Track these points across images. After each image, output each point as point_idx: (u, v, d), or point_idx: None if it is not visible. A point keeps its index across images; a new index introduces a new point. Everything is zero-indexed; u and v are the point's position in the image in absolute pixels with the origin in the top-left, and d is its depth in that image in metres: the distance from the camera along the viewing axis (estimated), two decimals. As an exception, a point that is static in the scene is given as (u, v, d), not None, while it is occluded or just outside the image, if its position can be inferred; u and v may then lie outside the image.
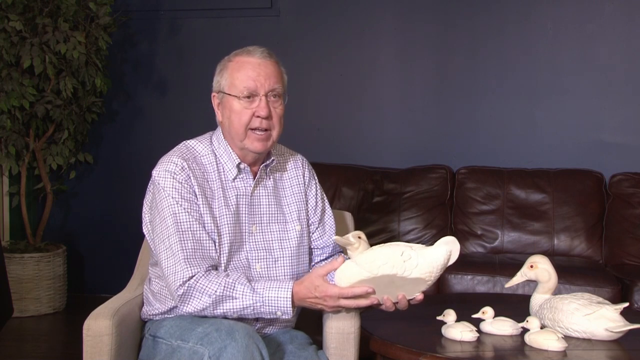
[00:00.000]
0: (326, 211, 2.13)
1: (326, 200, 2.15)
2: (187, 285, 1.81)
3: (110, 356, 1.86)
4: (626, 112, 3.88)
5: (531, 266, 2.08)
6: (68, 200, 4.52)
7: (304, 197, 2.07)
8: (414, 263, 1.81)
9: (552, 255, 3.49)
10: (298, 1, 4.22)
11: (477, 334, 1.96)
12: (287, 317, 1.84)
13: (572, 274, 3.17)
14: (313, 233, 2.09)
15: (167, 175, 1.88)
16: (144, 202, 1.99)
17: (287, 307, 1.81)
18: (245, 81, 1.90)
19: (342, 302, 1.82)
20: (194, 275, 1.81)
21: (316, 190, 2.12)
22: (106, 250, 4.46)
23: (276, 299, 1.81)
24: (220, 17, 4.29)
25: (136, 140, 4.40)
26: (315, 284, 1.80)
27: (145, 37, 4.38)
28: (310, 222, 2.09)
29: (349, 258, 1.85)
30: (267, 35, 4.21)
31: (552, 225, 3.63)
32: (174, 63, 4.37)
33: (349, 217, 2.41)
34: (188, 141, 2.00)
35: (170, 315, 1.94)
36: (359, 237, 1.83)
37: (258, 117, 1.91)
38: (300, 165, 2.12)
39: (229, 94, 1.91)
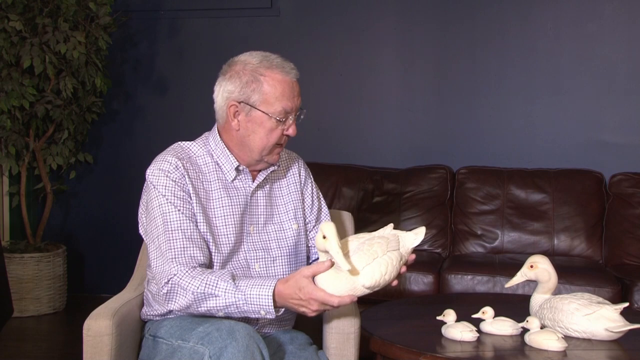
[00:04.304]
0: (322, 209, 2.13)
1: (322, 199, 2.15)
2: (171, 283, 1.79)
3: (110, 356, 1.86)
4: (626, 112, 3.88)
5: (531, 266, 2.08)
6: (68, 200, 4.52)
7: (300, 196, 2.07)
8: (403, 262, 1.83)
9: (552, 255, 3.49)
10: (298, 1, 4.23)
11: (477, 334, 1.96)
12: (271, 317, 1.76)
13: (572, 274, 3.17)
14: (310, 232, 2.09)
15: (161, 173, 1.87)
16: (140, 203, 1.97)
17: (269, 306, 1.73)
18: (283, 103, 1.89)
19: (327, 307, 1.73)
20: (178, 273, 1.79)
21: (312, 189, 2.12)
22: (106, 250, 4.46)
23: (258, 296, 1.73)
24: (220, 17, 4.29)
25: (136, 140, 4.40)
26: (300, 284, 1.71)
27: (145, 37, 4.38)
28: (307, 220, 2.08)
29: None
30: (267, 35, 4.21)
31: (552, 225, 3.63)
32: (174, 63, 4.37)
33: (348, 217, 2.41)
34: (182, 142, 1.99)
35: (170, 316, 1.94)
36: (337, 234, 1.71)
37: (286, 135, 1.93)
38: (296, 164, 2.12)
39: (261, 111, 1.88)
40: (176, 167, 1.88)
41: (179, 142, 1.99)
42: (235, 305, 1.76)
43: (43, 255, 4.02)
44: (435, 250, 3.69)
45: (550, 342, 1.89)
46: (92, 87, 4.02)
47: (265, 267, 1.96)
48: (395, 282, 1.84)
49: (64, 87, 3.87)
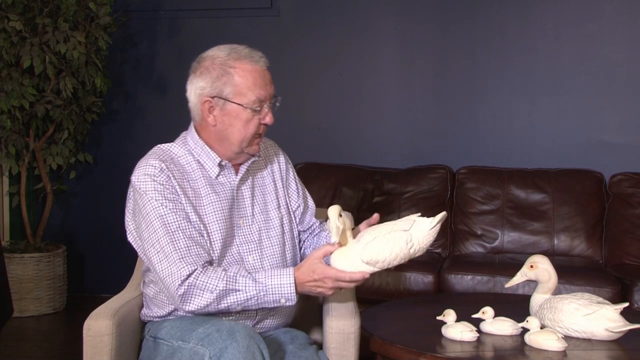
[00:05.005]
0: (306, 192, 2.17)
1: (302, 183, 2.19)
2: (187, 284, 1.79)
3: (110, 356, 1.86)
4: (626, 112, 3.88)
5: (531, 266, 2.08)
6: (68, 200, 4.52)
7: (283, 184, 2.09)
8: (416, 248, 1.87)
9: (552, 255, 3.49)
10: (298, 1, 4.23)
11: (477, 334, 1.96)
12: (290, 304, 1.84)
13: (572, 274, 3.17)
14: (300, 216, 2.12)
15: (147, 178, 1.86)
16: (126, 210, 1.95)
17: (291, 294, 1.82)
18: (256, 92, 1.89)
19: (341, 284, 1.83)
20: (191, 273, 1.79)
21: (294, 174, 2.15)
22: (106, 250, 4.46)
23: (279, 286, 1.81)
24: (220, 17, 4.29)
25: (136, 140, 4.40)
26: (313, 267, 1.82)
27: (145, 37, 4.38)
28: (296, 206, 2.11)
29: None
30: (267, 35, 4.21)
31: (552, 225, 3.63)
32: (174, 63, 4.37)
33: (348, 217, 2.41)
34: (162, 145, 1.99)
35: (170, 317, 1.94)
36: (340, 215, 1.82)
37: (264, 124, 1.93)
38: (275, 153, 2.13)
39: (235, 103, 1.89)
40: (161, 169, 1.88)
41: (159, 145, 1.99)
42: (256, 298, 1.81)
43: (43, 255, 4.02)
44: (435, 250, 3.69)
45: (550, 342, 1.89)
46: (92, 87, 4.02)
47: (259, 258, 1.96)
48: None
49: (64, 87, 3.87)
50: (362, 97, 4.18)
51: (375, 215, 1.98)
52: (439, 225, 1.89)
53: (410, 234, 1.86)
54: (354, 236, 1.90)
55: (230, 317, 1.89)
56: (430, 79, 4.11)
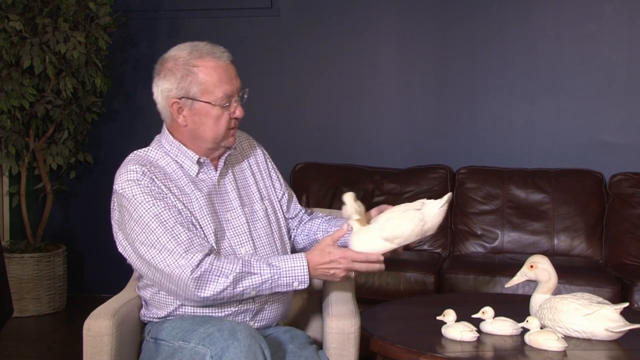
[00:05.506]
0: (284, 180, 2.20)
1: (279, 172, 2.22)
2: (202, 268, 1.78)
3: (110, 356, 1.86)
4: (626, 112, 3.88)
5: (531, 266, 2.08)
6: (68, 200, 4.52)
7: (261, 175, 2.10)
8: (429, 226, 1.94)
9: (552, 255, 3.50)
10: (298, 1, 4.23)
11: (477, 334, 1.96)
12: (302, 287, 1.86)
13: (572, 274, 3.17)
14: (286, 203, 2.14)
15: (131, 184, 1.87)
16: (112, 221, 1.96)
17: (304, 276, 1.84)
18: (223, 88, 1.89)
19: (356, 265, 1.87)
20: (203, 259, 1.79)
21: (272, 164, 2.17)
22: (106, 250, 4.43)
23: (292, 268, 1.84)
24: (220, 17, 4.29)
25: (136, 140, 4.37)
26: (327, 250, 1.87)
27: (145, 37, 4.38)
28: (281, 194, 2.13)
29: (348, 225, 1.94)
30: (267, 35, 4.21)
31: (552, 225, 3.63)
32: (174, 63, 4.36)
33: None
34: (137, 150, 2.00)
35: (170, 318, 1.93)
36: (355, 201, 1.90)
37: (235, 118, 1.94)
38: (249, 146, 2.14)
39: (203, 101, 1.89)
40: (143, 173, 1.89)
41: (135, 151, 2.00)
42: (270, 281, 1.84)
43: (43, 255, 4.02)
44: (435, 250, 3.69)
45: (550, 342, 1.89)
46: (92, 87, 4.02)
47: (253, 249, 1.97)
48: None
49: (64, 87, 3.87)
50: (362, 97, 4.18)
51: (387, 206, 2.05)
52: (446, 205, 1.95)
53: (423, 213, 1.94)
54: (367, 221, 1.97)
55: (230, 311, 1.89)
56: (430, 79, 4.11)
